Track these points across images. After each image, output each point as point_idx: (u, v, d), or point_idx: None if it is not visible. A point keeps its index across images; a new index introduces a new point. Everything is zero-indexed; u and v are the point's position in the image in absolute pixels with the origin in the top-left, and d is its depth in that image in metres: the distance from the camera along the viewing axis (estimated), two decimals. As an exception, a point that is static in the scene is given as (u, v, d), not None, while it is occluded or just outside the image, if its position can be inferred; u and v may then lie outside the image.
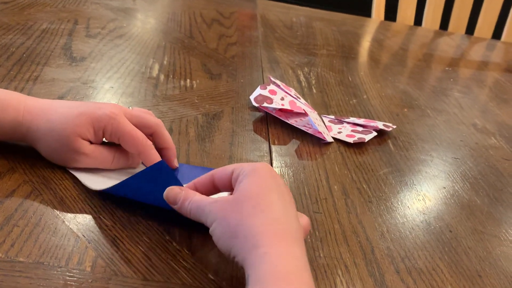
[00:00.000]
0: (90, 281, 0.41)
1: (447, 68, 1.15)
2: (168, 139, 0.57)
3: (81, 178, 0.52)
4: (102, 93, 0.73)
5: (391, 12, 1.56)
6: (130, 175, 0.49)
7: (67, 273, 0.41)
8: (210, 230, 0.43)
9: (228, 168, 0.46)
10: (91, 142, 0.53)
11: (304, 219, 0.47)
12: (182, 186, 0.47)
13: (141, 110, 0.57)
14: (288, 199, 0.44)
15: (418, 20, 1.56)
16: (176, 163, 0.57)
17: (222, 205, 0.42)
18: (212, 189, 0.48)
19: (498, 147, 0.81)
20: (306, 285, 0.37)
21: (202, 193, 0.46)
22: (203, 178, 0.48)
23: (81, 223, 0.47)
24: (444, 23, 1.56)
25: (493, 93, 1.05)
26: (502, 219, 0.62)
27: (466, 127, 0.86)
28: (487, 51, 1.41)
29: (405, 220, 0.58)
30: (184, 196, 0.45)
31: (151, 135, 0.56)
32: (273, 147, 0.68)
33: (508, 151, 0.80)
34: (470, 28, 1.57)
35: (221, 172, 0.47)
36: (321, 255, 0.50)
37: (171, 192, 0.46)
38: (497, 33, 1.57)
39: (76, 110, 0.52)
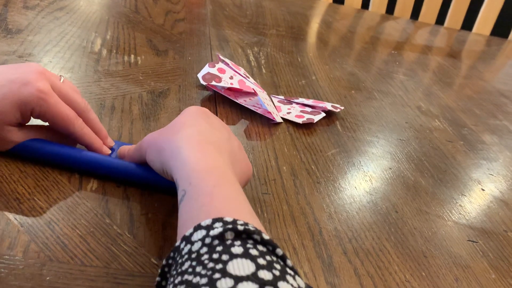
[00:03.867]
0: (21, 267, 0.38)
1: (392, 52, 1.17)
2: (96, 123, 0.52)
3: None
4: (39, 67, 0.69)
5: (339, -5, 1.56)
6: None
7: (-4, 259, 0.38)
8: (147, 160, 0.47)
9: None
10: (20, 123, 0.48)
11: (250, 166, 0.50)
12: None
13: (71, 85, 0.52)
14: (216, 126, 0.47)
15: (365, 4, 1.57)
16: (110, 142, 0.54)
17: (152, 134, 0.48)
18: None
19: (441, 129, 0.82)
20: (227, 178, 0.40)
21: None
22: None
23: (13, 205, 0.44)
24: (390, 8, 1.58)
25: (436, 77, 1.07)
26: (446, 200, 0.63)
27: (411, 109, 0.87)
28: (431, 36, 1.44)
29: (352, 200, 0.58)
30: (130, 147, 0.51)
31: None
32: (221, 127, 0.66)
33: (451, 133, 0.82)
34: (415, 13, 1.60)
35: None
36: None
37: (122, 149, 0.52)
38: (440, 19, 1.60)
39: None
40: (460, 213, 0.61)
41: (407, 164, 0.69)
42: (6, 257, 0.39)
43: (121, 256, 0.42)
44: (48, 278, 0.38)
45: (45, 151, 0.49)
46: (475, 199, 0.65)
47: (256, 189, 0.55)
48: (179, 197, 0.39)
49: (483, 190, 0.68)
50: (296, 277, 0.32)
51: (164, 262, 0.35)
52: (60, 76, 0.51)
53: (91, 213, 0.45)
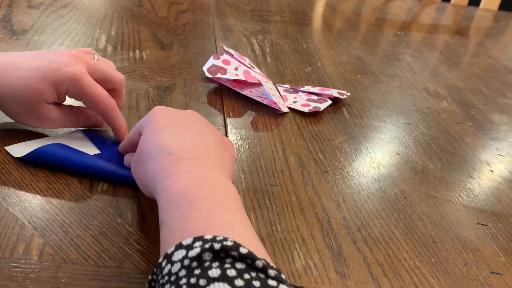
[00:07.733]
0: (37, 270, 0.39)
1: (399, 32, 1.16)
2: (123, 98, 0.58)
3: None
4: (46, 68, 0.70)
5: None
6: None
7: (12, 264, 0.39)
8: None
9: (136, 126, 0.49)
10: (56, 102, 0.52)
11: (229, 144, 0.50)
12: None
13: (106, 61, 0.57)
14: (184, 124, 0.46)
15: (371, -16, 1.55)
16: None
17: (132, 165, 0.47)
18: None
19: (449, 110, 0.82)
20: (202, 194, 0.39)
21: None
22: (130, 140, 0.51)
23: (26, 209, 0.45)
24: (397, -14, 1.56)
25: (444, 56, 1.07)
26: (454, 183, 0.63)
27: (418, 91, 0.87)
28: (438, 14, 1.42)
29: (361, 188, 0.58)
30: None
31: (110, 91, 0.55)
32: (228, 120, 0.67)
33: (459, 114, 0.81)
34: (422, -9, 1.57)
35: (133, 133, 0.50)
36: (278, 229, 0.49)
37: (127, 158, 0.52)
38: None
39: (36, 74, 0.50)
40: (469, 196, 0.61)
41: (415, 149, 0.69)
42: (22, 261, 0.40)
43: (134, 255, 0.43)
44: (63, 280, 0.39)
45: (56, 159, 0.50)
46: (484, 181, 0.65)
47: (264, 181, 0.56)
48: (160, 226, 0.39)
49: (492, 171, 0.67)
50: (280, 285, 0.32)
51: (150, 277, 0.35)
52: (94, 55, 0.55)
53: (102, 214, 0.46)
